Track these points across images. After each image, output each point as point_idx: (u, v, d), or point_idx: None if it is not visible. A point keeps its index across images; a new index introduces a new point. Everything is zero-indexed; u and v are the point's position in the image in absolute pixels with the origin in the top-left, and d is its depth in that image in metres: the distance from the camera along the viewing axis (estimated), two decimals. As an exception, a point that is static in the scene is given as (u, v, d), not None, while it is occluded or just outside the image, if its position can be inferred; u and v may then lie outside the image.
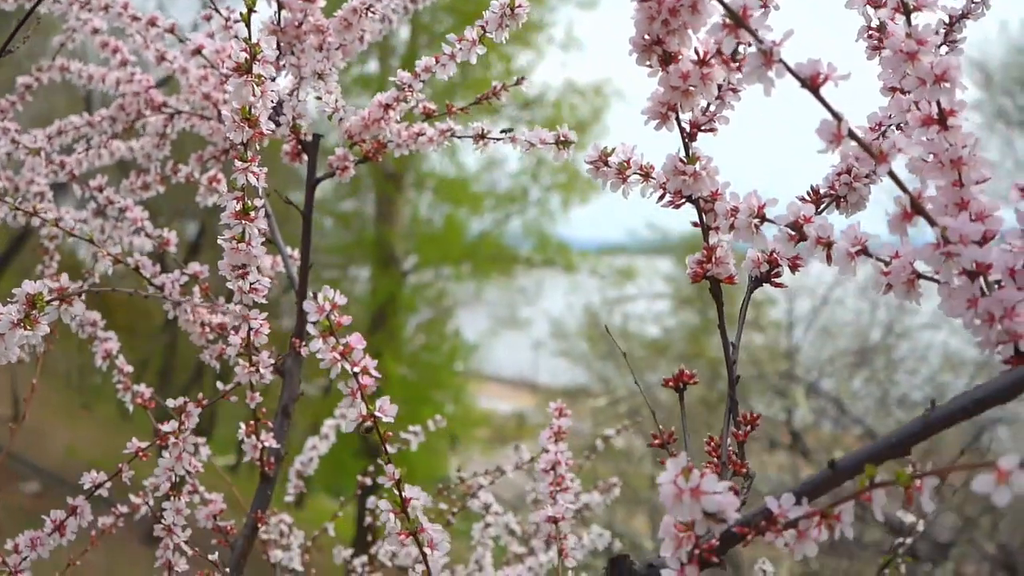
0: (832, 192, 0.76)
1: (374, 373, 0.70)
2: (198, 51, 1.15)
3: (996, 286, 0.58)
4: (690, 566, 0.60)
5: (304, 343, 1.03)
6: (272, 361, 0.99)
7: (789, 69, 0.56)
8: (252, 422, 1.05)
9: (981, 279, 0.58)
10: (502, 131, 1.02)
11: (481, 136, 1.05)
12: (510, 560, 1.55)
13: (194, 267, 1.14)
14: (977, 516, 6.01)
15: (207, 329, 1.12)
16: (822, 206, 0.76)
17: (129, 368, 1.19)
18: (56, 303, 0.72)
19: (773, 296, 9.67)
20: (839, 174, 0.76)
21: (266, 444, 1.06)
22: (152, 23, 1.19)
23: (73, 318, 1.23)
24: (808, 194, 0.77)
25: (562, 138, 0.93)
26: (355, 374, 0.69)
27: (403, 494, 0.72)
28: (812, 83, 0.56)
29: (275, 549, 1.41)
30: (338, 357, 0.69)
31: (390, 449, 1.55)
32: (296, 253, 1.23)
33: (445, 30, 11.40)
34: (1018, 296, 0.56)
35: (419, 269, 12.23)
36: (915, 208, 0.57)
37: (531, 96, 11.67)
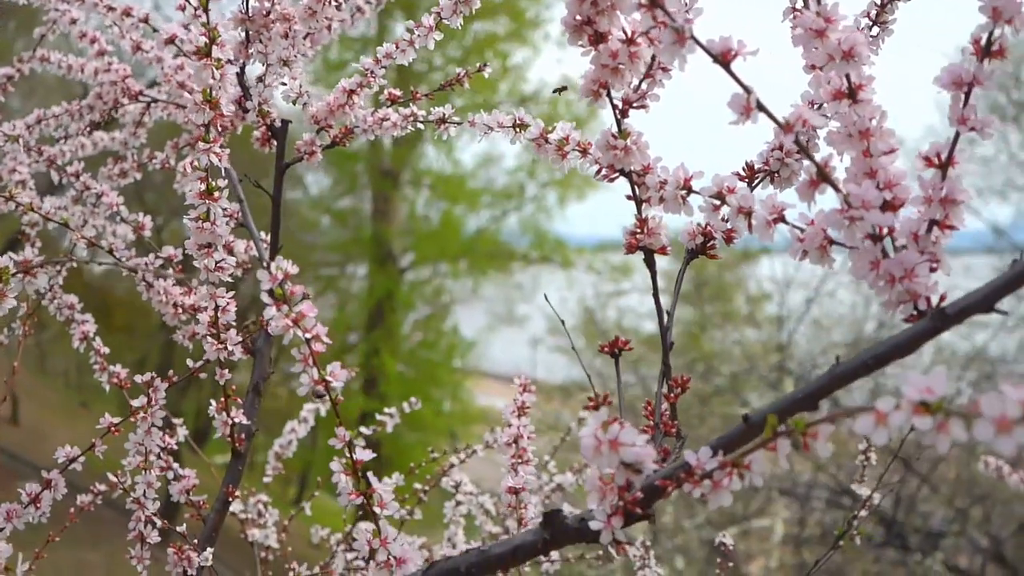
0: (766, 167, 0.80)
1: (325, 340, 0.73)
2: (171, 40, 1.19)
3: (903, 250, 0.62)
4: (615, 517, 0.64)
5: (271, 321, 1.06)
6: (239, 338, 1.03)
7: (701, 45, 0.59)
8: (222, 399, 1.08)
9: (886, 242, 0.61)
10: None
11: (442, 120, 1.08)
12: (484, 539, 1.58)
13: (168, 250, 1.17)
14: (968, 507, 6.06)
15: (179, 310, 1.16)
16: (756, 181, 0.80)
17: (105, 349, 1.23)
18: (21, 276, 0.75)
19: (769, 291, 9.71)
20: (772, 150, 0.79)
21: (236, 420, 1.09)
22: (127, 13, 1.23)
23: (53, 301, 1.26)
24: (743, 169, 0.80)
25: (518, 122, 0.97)
26: (307, 340, 0.73)
27: (354, 456, 0.76)
28: (723, 59, 0.59)
29: (253, 528, 1.45)
30: (290, 324, 0.72)
31: (366, 431, 1.57)
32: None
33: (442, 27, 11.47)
34: (917, 259, 0.59)
35: (416, 266, 12.28)
36: (821, 176, 0.61)
37: (528, 93, 11.72)
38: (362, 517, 1.56)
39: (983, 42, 0.61)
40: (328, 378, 0.74)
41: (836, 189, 0.60)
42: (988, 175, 9.42)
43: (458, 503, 1.48)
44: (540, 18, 11.31)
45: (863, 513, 1.22)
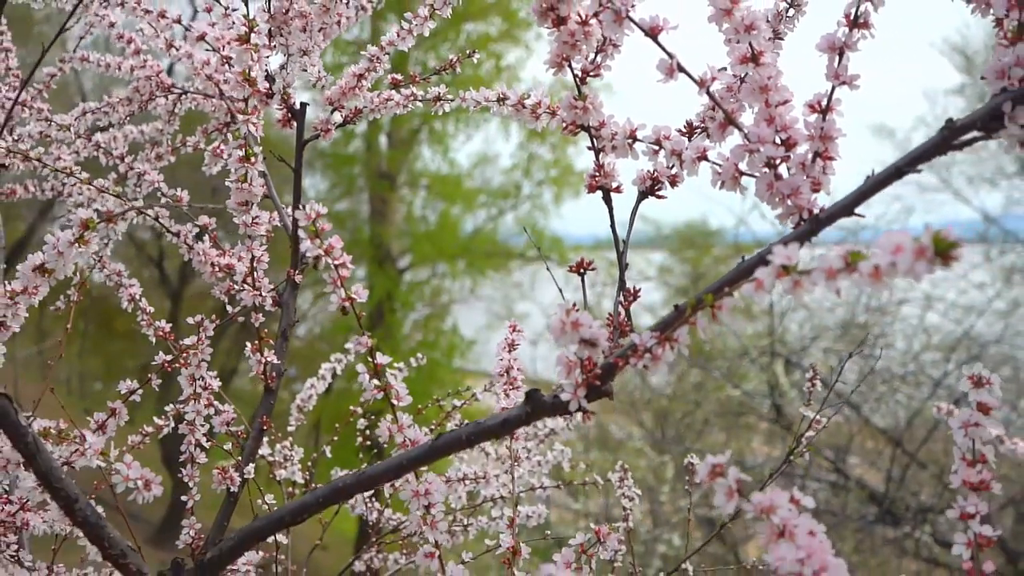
0: (702, 124, 0.98)
1: (349, 265, 0.92)
2: (202, 37, 1.37)
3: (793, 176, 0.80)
4: (580, 388, 0.82)
5: (298, 272, 1.25)
6: (272, 287, 1.21)
7: (634, 22, 0.78)
8: (256, 341, 1.27)
9: (780, 171, 0.80)
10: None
11: (438, 98, 1.27)
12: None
13: (203, 219, 1.36)
14: (955, 482, 6.24)
15: (216, 269, 1.34)
16: (694, 136, 0.98)
17: (151, 308, 1.41)
18: (104, 224, 0.94)
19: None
20: (707, 110, 0.98)
21: (269, 360, 1.28)
22: (162, 15, 1.42)
23: (103, 271, 1.45)
24: (684, 126, 0.99)
25: (501, 96, 1.15)
26: (336, 266, 0.92)
27: (376, 360, 0.94)
28: (653, 32, 0.78)
29: (279, 469, 1.64)
30: (322, 253, 0.91)
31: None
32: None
33: (436, 30, 11.69)
34: (802, 181, 0.78)
35: (415, 267, 12.46)
36: (728, 120, 0.79)
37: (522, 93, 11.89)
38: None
39: (852, 16, 0.80)
40: (353, 296, 0.92)
41: (739, 129, 0.79)
42: (978, 163, 9.59)
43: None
44: (532, 18, 11.48)
45: (811, 434, 1.40)
